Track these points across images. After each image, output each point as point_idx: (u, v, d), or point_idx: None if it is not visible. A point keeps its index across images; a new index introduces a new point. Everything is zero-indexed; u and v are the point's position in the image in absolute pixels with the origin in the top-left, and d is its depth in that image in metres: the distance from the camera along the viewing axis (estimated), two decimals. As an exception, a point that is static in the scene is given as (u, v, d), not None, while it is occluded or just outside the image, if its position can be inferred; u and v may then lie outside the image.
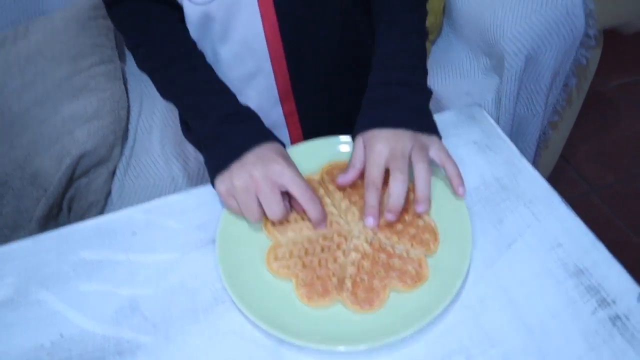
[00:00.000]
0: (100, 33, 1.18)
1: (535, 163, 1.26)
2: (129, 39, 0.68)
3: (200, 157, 0.83)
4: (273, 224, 0.56)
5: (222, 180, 0.56)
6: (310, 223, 0.56)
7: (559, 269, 0.54)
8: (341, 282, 0.51)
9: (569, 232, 0.57)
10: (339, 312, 0.51)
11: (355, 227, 0.56)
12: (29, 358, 0.50)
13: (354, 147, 0.58)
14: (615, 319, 0.50)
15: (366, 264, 0.53)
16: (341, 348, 0.47)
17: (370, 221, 0.54)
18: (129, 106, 1.15)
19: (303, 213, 0.56)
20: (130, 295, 0.54)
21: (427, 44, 1.18)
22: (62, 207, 1.04)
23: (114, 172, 1.06)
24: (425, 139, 0.58)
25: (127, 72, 1.23)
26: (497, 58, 1.11)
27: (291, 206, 0.57)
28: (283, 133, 0.78)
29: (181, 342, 0.50)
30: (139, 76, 1.21)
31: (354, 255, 0.53)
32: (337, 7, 0.69)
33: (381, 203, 0.55)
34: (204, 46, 0.69)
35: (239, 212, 0.56)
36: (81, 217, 1.03)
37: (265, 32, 0.67)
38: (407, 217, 0.56)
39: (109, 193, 1.04)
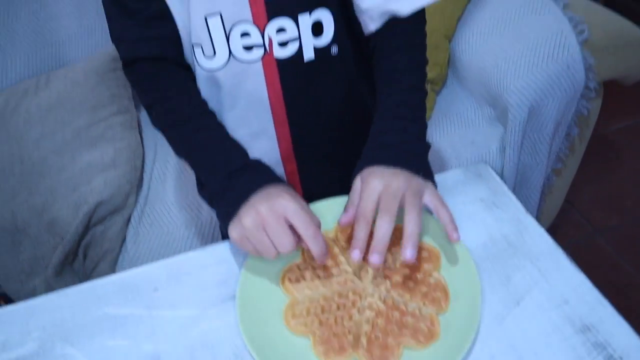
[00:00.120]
0: (118, 84, 1.23)
1: (540, 209, 1.29)
2: (143, 97, 0.71)
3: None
4: (290, 280, 0.58)
5: (234, 226, 0.58)
6: (326, 281, 0.58)
7: (566, 325, 0.56)
8: (357, 340, 0.53)
9: (575, 289, 0.59)
10: (355, 368, 0.53)
11: (369, 285, 0.58)
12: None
13: (352, 186, 0.61)
14: (622, 377, 0.52)
15: (380, 321, 0.55)
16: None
17: (356, 254, 0.55)
18: (143, 155, 1.19)
19: (309, 252, 0.57)
20: (153, 350, 0.56)
21: (432, 95, 1.23)
22: (78, 254, 1.07)
23: (128, 220, 1.09)
24: (420, 183, 0.59)
25: (142, 121, 1.28)
26: (501, 109, 1.15)
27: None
28: None
29: (202, 398, 0.52)
30: (154, 125, 1.25)
31: (368, 313, 0.55)
32: (341, 74, 0.72)
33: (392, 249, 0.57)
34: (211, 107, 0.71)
35: (256, 253, 0.57)
36: (96, 264, 1.05)
37: (270, 98, 0.70)
38: (418, 275, 0.58)
39: (123, 240, 1.07)
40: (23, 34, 1.31)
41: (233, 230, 0.58)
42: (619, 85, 1.24)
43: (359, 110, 0.77)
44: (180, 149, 0.69)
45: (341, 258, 0.61)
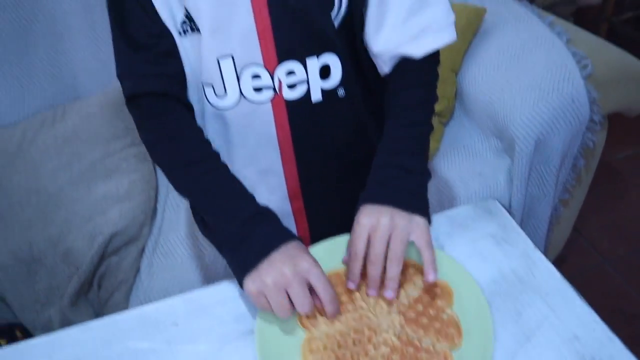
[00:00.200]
0: (132, 118, 1.26)
1: (548, 239, 1.30)
2: (146, 134, 0.71)
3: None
4: (307, 316, 0.60)
5: (252, 280, 0.59)
6: (342, 317, 0.60)
7: (577, 361, 0.57)
8: (372, 375, 0.55)
9: (585, 324, 0.60)
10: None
11: (384, 320, 0.60)
12: None
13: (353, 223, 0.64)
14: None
15: (395, 357, 0.56)
16: None
17: (351, 286, 0.62)
18: (157, 185, 1.21)
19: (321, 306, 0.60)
20: (173, 385, 0.58)
21: (440, 127, 1.26)
22: (93, 284, 1.08)
23: (142, 250, 1.11)
24: (410, 219, 0.62)
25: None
26: (508, 141, 1.17)
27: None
28: (290, 227, 0.82)
29: None
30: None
31: (383, 349, 0.57)
32: (348, 115, 0.74)
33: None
34: (219, 146, 0.72)
35: (268, 309, 0.59)
36: (111, 294, 1.07)
37: (278, 138, 0.72)
38: (432, 312, 0.60)
39: (137, 271, 1.08)
40: (40, 66, 1.36)
41: (251, 284, 0.59)
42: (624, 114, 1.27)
43: (365, 148, 0.78)
44: (185, 190, 0.69)
45: (356, 294, 0.62)
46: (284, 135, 0.72)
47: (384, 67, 0.71)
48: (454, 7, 1.27)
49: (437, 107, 1.22)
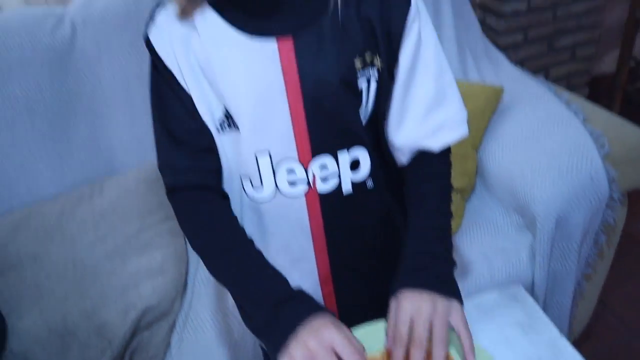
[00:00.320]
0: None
1: (572, 314, 1.30)
2: (185, 225, 0.75)
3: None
4: None
5: (283, 358, 0.62)
6: None
7: None
8: None
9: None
10: None
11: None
12: None
13: (389, 309, 0.66)
14: None
15: None
16: None
17: None
18: (188, 260, 1.25)
19: None
20: None
21: (462, 203, 1.29)
22: (124, 359, 1.11)
23: (173, 325, 1.13)
24: (447, 304, 0.65)
25: (186, 225, 1.35)
26: (529, 217, 1.20)
27: None
28: None
29: None
30: (198, 229, 1.32)
31: None
32: (377, 204, 0.78)
33: None
34: (254, 234, 0.76)
35: None
36: (142, 368, 1.09)
37: (311, 229, 0.76)
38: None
39: (168, 346, 1.11)
40: (80, 142, 1.43)
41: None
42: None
43: (393, 234, 0.82)
44: (222, 277, 0.72)
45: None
46: (317, 226, 0.76)
47: (402, 158, 0.76)
48: (474, 87, 1.35)
49: (459, 183, 1.27)
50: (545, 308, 1.22)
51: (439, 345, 0.63)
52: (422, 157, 0.75)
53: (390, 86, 0.71)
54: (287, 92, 0.67)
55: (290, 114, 0.68)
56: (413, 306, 0.64)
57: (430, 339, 0.63)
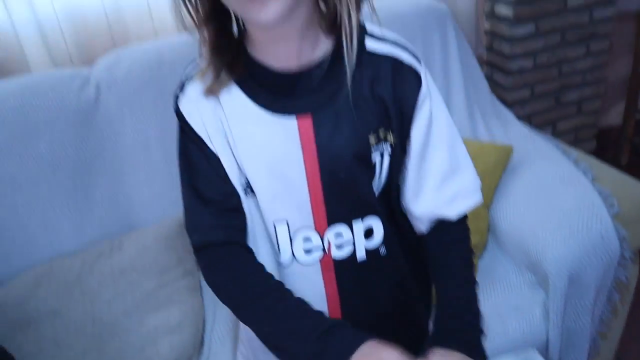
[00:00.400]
0: (184, 249, 1.35)
1: (588, 372, 1.30)
2: (215, 279, 0.75)
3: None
4: None
5: None
6: None
7: None
8: None
9: None
10: None
11: None
12: None
13: None
14: None
15: None
16: None
17: None
18: (204, 317, 1.27)
19: None
20: None
21: (475, 260, 1.31)
22: (142, 417, 1.12)
23: (190, 383, 1.15)
24: None
25: (202, 283, 1.37)
26: (542, 275, 1.21)
27: None
28: None
29: None
30: (214, 285, 1.34)
31: None
32: (389, 270, 0.80)
33: None
34: None
35: None
36: None
37: (326, 293, 0.78)
38: None
39: (185, 404, 1.12)
40: (100, 198, 1.47)
41: None
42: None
43: (407, 298, 0.85)
44: (257, 323, 0.72)
45: None
46: (332, 290, 0.78)
47: (422, 227, 0.79)
48: (484, 147, 1.38)
49: (471, 240, 1.29)
50: (560, 366, 1.22)
51: None
52: (441, 225, 0.78)
53: (403, 159, 0.75)
54: (305, 165, 0.71)
55: (308, 185, 0.72)
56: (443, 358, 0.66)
57: None
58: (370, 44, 0.70)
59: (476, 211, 1.31)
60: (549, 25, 1.87)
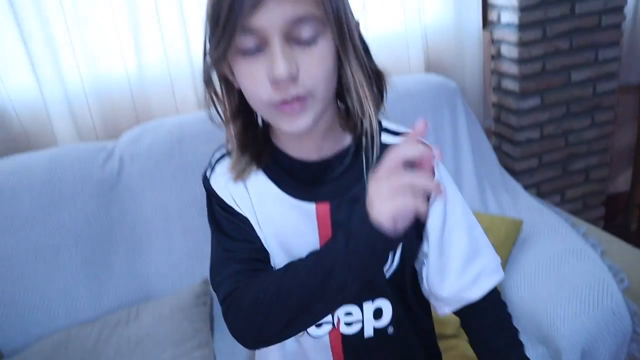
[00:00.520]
0: (200, 319, 1.37)
1: None
2: (242, 300, 0.69)
3: None
4: None
5: (374, 208, 0.59)
6: None
7: None
8: None
9: None
10: None
11: None
12: None
13: None
14: None
15: None
16: None
17: None
18: (219, 388, 1.28)
19: None
20: None
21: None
22: None
23: None
24: None
25: (215, 350, 1.39)
26: (554, 349, 1.22)
27: None
28: None
29: None
30: (228, 356, 1.36)
31: None
32: (396, 349, 0.81)
33: None
34: None
35: (408, 203, 0.57)
36: None
37: None
38: None
39: None
40: (119, 267, 1.51)
41: (377, 208, 0.59)
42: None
43: None
44: (291, 287, 0.66)
45: None
46: None
47: (445, 308, 0.81)
48: (494, 220, 1.42)
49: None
50: None
51: None
52: (475, 307, 0.79)
53: (418, 246, 0.79)
54: (320, 245, 0.75)
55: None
56: None
57: None
58: (386, 138, 0.76)
59: (488, 284, 1.34)
60: (554, 98, 1.94)
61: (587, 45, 1.90)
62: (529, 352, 1.28)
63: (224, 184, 0.76)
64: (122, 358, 1.31)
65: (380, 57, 0.73)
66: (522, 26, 1.80)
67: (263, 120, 0.77)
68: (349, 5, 0.68)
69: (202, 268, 1.50)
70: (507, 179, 1.71)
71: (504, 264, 1.39)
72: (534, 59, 1.86)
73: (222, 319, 0.72)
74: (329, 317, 0.78)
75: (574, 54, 1.90)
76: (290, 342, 0.80)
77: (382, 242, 0.60)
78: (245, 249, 0.75)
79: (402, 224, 0.59)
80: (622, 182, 2.53)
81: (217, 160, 0.79)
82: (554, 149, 2.03)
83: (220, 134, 0.77)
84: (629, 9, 1.95)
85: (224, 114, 0.74)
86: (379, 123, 0.76)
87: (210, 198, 0.78)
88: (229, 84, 0.72)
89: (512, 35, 1.84)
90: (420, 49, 1.81)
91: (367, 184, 0.61)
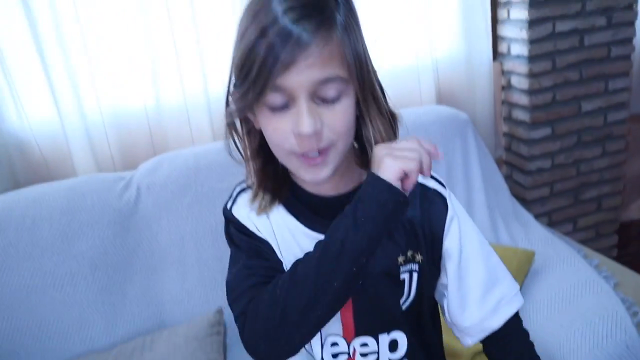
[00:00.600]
0: (213, 349, 1.38)
1: None
2: (260, 306, 0.69)
3: None
4: None
5: (383, 163, 0.64)
6: None
7: None
8: None
9: None
10: None
11: None
12: None
13: None
14: None
15: None
16: None
17: None
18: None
19: None
20: None
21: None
22: None
23: None
24: None
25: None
26: (569, 385, 1.21)
27: None
28: None
29: None
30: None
31: None
32: None
33: None
34: None
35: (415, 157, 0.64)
36: None
37: None
38: None
39: None
40: (134, 295, 1.53)
41: (388, 164, 0.64)
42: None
43: None
44: (316, 282, 0.65)
45: None
46: None
47: (469, 340, 0.82)
48: (506, 251, 1.43)
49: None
50: None
51: None
52: (498, 335, 0.80)
53: (435, 277, 0.81)
54: None
55: None
56: None
57: None
58: None
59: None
60: (564, 128, 1.95)
61: (597, 76, 1.92)
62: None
63: (246, 214, 0.78)
64: (137, 388, 1.32)
65: (392, 89, 0.76)
66: (532, 58, 1.82)
67: None
68: (369, 57, 0.70)
69: (216, 297, 1.52)
70: (518, 209, 1.72)
71: (517, 296, 1.39)
72: (544, 90, 1.88)
73: (235, 348, 0.74)
74: (344, 348, 0.79)
75: (584, 85, 1.92)
76: None
77: (390, 194, 0.63)
78: (264, 266, 0.75)
79: (408, 184, 0.64)
80: (634, 210, 2.52)
81: (239, 193, 0.81)
82: (566, 178, 2.04)
83: (235, 165, 0.80)
84: (637, 40, 1.97)
85: (244, 151, 0.77)
86: None
87: (229, 225, 0.80)
88: (249, 123, 0.74)
89: (522, 67, 1.86)
90: (431, 81, 1.84)
91: None
